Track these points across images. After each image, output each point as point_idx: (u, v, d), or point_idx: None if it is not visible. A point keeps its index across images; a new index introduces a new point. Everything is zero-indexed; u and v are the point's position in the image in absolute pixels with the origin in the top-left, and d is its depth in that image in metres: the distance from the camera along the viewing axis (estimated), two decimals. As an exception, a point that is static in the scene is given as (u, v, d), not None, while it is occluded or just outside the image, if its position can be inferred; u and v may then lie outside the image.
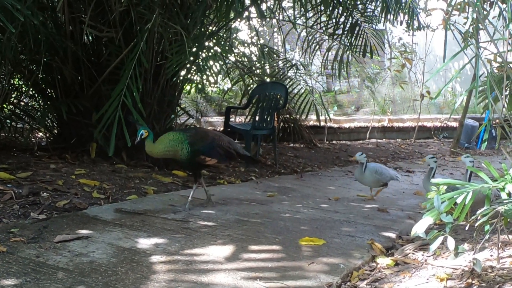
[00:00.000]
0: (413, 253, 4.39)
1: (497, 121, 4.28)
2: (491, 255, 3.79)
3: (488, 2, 5.37)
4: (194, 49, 7.62)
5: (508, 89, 5.26)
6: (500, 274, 3.39)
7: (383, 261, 4.27)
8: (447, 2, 7.18)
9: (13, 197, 5.39)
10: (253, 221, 5.38)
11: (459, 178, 6.59)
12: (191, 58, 7.63)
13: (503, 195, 3.30)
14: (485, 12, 4.52)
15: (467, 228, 4.09)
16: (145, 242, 4.42)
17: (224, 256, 4.18)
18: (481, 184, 3.28)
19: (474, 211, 3.47)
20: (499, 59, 5.03)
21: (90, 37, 8.26)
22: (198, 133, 5.84)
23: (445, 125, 15.82)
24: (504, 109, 4.28)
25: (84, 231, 4.57)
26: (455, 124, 14.38)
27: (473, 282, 3.36)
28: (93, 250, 4.16)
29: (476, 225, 3.51)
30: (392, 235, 5.15)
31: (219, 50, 8.77)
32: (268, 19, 11.13)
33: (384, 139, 14.62)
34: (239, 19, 10.43)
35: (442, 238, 3.30)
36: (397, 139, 14.90)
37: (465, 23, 4.12)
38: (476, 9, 3.70)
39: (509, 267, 3.48)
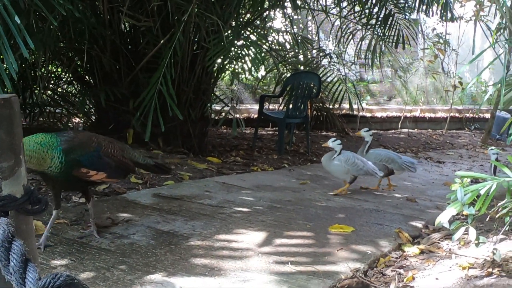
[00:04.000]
0: (438, 242, 4.52)
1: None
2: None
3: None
4: (230, 38, 7.75)
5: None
6: (520, 264, 3.52)
7: (409, 249, 4.42)
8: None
9: (55, 181, 5.60)
10: (285, 207, 5.55)
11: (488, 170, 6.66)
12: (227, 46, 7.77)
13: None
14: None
15: (487, 219, 4.20)
16: (182, 226, 4.62)
17: (258, 241, 4.37)
18: (503, 178, 3.39)
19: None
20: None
21: (128, 26, 8.45)
22: (77, 137, 4.16)
23: (477, 116, 15.77)
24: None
25: (124, 215, 4.77)
26: (487, 115, 14.34)
27: (493, 271, 3.49)
28: (133, 232, 4.36)
29: (496, 216, 3.63)
30: (419, 224, 5.28)
31: (254, 38, 8.89)
32: (302, 9, 11.20)
33: (416, 129, 14.62)
34: (273, 9, 10.53)
35: (465, 229, 3.43)
36: (429, 130, 14.90)
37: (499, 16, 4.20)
38: (504, 6, 3.81)
39: (530, 258, 3.60)
